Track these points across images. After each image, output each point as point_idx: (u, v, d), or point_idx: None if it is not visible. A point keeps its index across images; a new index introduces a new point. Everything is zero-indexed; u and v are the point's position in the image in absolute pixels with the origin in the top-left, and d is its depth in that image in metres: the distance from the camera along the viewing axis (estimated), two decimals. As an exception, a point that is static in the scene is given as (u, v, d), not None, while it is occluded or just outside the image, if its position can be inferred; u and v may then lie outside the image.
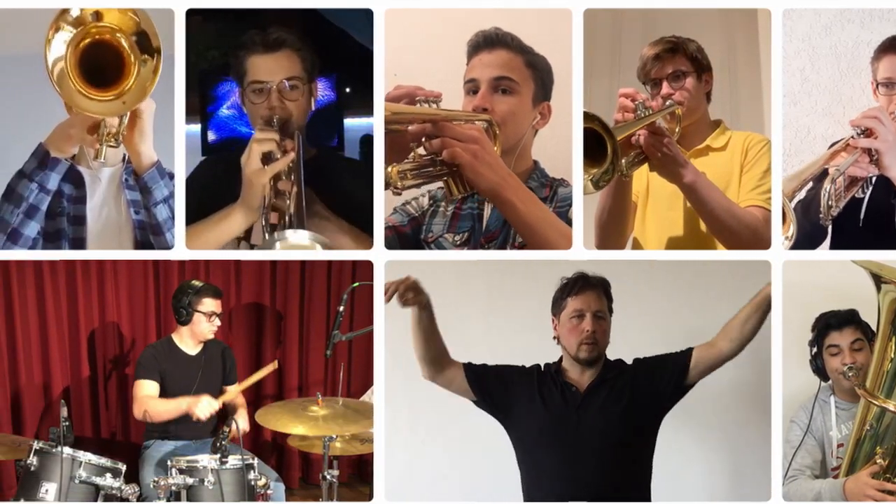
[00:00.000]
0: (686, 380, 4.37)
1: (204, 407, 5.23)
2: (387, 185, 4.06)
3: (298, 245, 4.14)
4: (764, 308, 4.19)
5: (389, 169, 4.01)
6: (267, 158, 4.31)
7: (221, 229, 4.45)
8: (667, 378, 4.42)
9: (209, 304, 5.42)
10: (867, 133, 4.43)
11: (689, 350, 4.40)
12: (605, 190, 4.40)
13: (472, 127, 4.02)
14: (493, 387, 4.48)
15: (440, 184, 4.17)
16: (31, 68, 4.29)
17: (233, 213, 4.40)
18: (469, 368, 4.46)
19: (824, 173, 4.49)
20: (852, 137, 4.47)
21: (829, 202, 4.43)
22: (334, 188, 4.61)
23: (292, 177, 4.33)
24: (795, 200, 4.53)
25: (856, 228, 4.64)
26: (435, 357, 4.39)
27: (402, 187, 4.04)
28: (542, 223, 4.09)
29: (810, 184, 4.53)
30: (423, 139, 3.99)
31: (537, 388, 4.46)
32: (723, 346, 4.27)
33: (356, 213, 4.50)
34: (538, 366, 4.53)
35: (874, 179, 4.57)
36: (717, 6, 5.17)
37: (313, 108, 4.66)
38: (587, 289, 4.40)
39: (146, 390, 5.34)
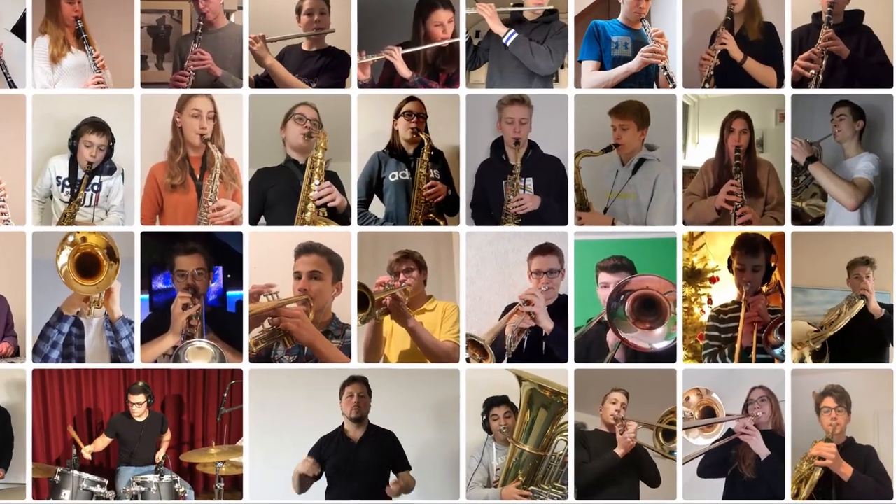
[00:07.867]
0: None
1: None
2: (250, 350, 5.64)
3: (200, 346, 5.74)
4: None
5: (250, 339, 5.57)
6: (184, 307, 5.83)
7: (160, 345, 5.88)
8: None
9: (136, 398, 6.59)
10: (528, 302, 5.85)
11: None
12: (368, 328, 5.80)
13: (296, 307, 5.51)
14: (322, 454, 6.05)
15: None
16: (48, 269, 5.79)
17: (166, 337, 5.86)
18: (313, 451, 6.05)
19: (503, 330, 5.92)
20: (519, 305, 5.88)
21: (511, 344, 5.92)
22: (223, 329, 6.05)
23: (198, 318, 5.87)
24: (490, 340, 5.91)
25: (520, 353, 6.01)
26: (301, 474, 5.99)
27: (257, 349, 5.63)
28: (334, 356, 5.67)
29: (497, 333, 5.92)
30: (269, 318, 5.53)
31: (332, 441, 6.11)
32: None
33: (235, 343, 5.96)
34: (334, 432, 6.09)
35: (531, 328, 5.89)
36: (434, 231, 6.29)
37: (211, 284, 6.10)
38: (353, 382, 6.08)
39: (100, 442, 6.66)
